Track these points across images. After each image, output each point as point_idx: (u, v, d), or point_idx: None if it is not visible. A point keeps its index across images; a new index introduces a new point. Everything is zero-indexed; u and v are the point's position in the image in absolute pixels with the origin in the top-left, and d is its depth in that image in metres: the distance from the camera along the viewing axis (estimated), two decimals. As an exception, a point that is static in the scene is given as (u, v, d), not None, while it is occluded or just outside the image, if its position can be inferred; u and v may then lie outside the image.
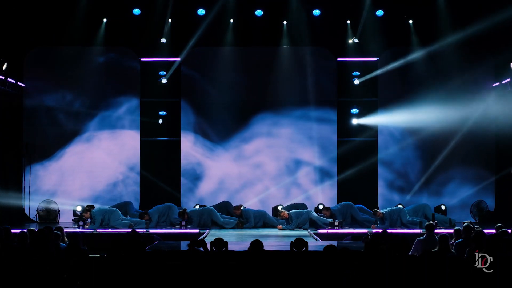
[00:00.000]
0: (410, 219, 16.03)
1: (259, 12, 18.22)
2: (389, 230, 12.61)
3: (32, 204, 18.18)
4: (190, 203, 18.19)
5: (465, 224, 10.42)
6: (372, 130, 18.80)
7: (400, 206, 16.77)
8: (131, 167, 18.66)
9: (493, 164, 18.58)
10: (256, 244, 8.36)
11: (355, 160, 18.61)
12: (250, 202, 18.24)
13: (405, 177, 18.76)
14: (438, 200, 18.18)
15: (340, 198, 18.31)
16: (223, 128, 18.84)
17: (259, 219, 17.00)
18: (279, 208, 17.64)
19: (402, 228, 15.63)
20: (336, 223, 15.43)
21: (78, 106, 18.64)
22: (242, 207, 17.12)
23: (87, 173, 18.52)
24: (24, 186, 18.28)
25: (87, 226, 15.43)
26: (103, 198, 18.31)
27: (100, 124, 18.73)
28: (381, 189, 18.76)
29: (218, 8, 18.01)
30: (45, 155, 18.52)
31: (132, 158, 18.69)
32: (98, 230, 15.09)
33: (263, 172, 18.80)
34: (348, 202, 16.79)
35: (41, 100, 18.52)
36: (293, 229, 16.21)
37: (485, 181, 18.52)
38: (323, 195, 18.42)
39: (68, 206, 18.08)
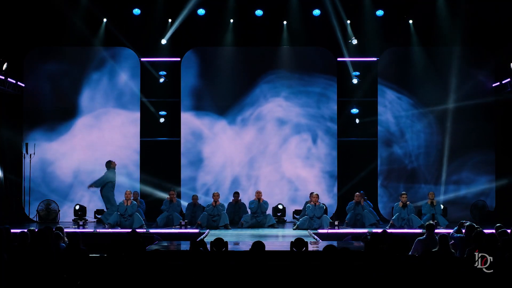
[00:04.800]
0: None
1: (259, 12, 18.22)
2: (389, 230, 12.63)
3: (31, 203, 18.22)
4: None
5: (468, 223, 10.46)
6: (372, 129, 18.79)
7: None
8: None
9: (493, 164, 18.60)
10: (258, 246, 8.34)
11: (356, 159, 18.63)
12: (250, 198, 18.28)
13: (406, 174, 18.77)
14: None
15: (340, 197, 18.44)
16: (221, 126, 18.88)
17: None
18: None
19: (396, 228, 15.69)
20: (336, 223, 15.39)
21: (78, 105, 18.66)
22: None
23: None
24: (24, 187, 18.27)
25: None
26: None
27: (99, 123, 18.75)
28: (381, 187, 18.78)
29: (218, 8, 18.04)
30: (45, 155, 18.52)
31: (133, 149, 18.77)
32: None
33: (261, 171, 18.86)
34: None
35: (41, 100, 18.50)
36: None
37: (485, 180, 18.57)
38: (324, 194, 18.40)
39: (68, 203, 18.19)
